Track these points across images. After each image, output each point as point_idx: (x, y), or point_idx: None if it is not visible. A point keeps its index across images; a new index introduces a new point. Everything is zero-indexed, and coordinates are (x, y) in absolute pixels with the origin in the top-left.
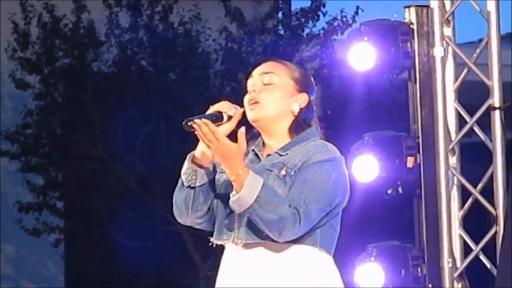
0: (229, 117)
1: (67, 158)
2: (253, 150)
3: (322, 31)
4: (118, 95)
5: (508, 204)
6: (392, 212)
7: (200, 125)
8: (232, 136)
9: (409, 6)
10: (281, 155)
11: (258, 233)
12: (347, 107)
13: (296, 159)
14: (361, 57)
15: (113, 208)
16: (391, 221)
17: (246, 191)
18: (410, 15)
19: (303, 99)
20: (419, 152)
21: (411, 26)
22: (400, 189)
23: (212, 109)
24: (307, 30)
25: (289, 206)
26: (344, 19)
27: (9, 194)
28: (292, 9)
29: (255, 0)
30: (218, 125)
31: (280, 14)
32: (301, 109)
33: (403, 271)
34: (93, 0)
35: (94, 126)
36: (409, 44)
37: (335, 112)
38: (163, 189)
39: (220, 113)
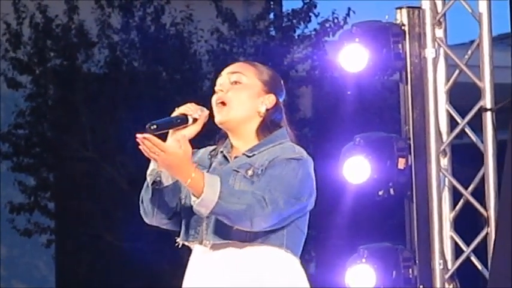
0: (195, 120)
1: (58, 159)
2: (221, 151)
3: (313, 32)
4: (109, 96)
5: (504, 205)
6: (383, 213)
7: (142, 141)
8: (199, 139)
9: (400, 8)
10: (248, 156)
11: (226, 233)
12: (338, 108)
13: (263, 159)
14: (352, 58)
15: (104, 209)
16: (383, 223)
17: (208, 190)
18: (402, 17)
19: (270, 100)
20: (410, 154)
21: (403, 28)
22: (391, 190)
23: (177, 111)
24: (298, 32)
25: (253, 195)
26: (336, 20)
27: (0, 194)
28: (284, 10)
29: (247, 1)
30: (183, 128)
31: (271, 15)
32: (267, 110)
33: (394, 272)
34: (85, 1)
35: (85, 127)
36: (400, 46)
37: (326, 113)
38: None
39: (186, 115)
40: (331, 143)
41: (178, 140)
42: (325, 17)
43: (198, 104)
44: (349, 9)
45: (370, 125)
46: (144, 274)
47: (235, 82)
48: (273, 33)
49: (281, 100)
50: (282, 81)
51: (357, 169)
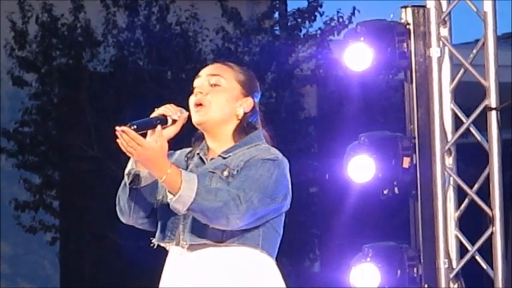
0: (174, 121)
1: (63, 157)
2: (198, 153)
3: (318, 31)
4: (114, 94)
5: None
6: (388, 212)
7: (121, 134)
8: (177, 140)
9: (405, 7)
10: (224, 158)
11: (203, 234)
12: (343, 107)
13: (238, 160)
14: (357, 57)
15: (109, 208)
16: (387, 222)
17: (185, 186)
18: (407, 16)
19: (248, 103)
20: (415, 153)
21: (407, 26)
22: (396, 189)
23: (157, 112)
24: (303, 31)
25: (228, 193)
26: (340, 20)
27: (5, 192)
28: (289, 9)
29: (252, 0)
30: (162, 129)
31: (276, 14)
32: (245, 113)
33: (399, 271)
34: (90, 0)
35: (90, 126)
36: (405, 45)
37: (331, 112)
38: None
39: (165, 116)
40: (336, 141)
41: (160, 131)
42: (330, 16)
43: (177, 105)
44: (354, 8)
45: (374, 124)
46: (148, 273)
47: (215, 85)
48: (278, 32)
49: (257, 101)
50: (257, 82)
51: (361, 168)
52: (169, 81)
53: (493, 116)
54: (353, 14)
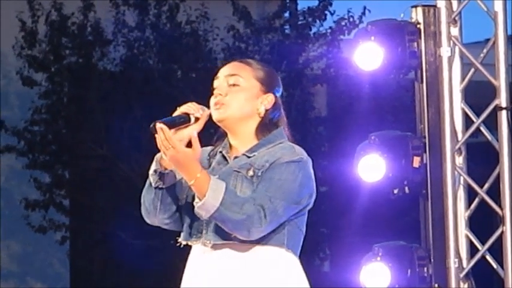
0: (196, 119)
1: (73, 156)
2: (220, 152)
3: (329, 31)
4: (124, 93)
5: None
6: (398, 211)
7: (160, 130)
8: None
9: (416, 6)
10: (248, 157)
11: (227, 233)
12: (353, 106)
13: (263, 159)
14: (367, 57)
15: (118, 207)
16: (397, 221)
17: (211, 194)
18: (417, 15)
19: (268, 99)
20: (425, 152)
21: (418, 26)
22: (406, 189)
23: (179, 111)
24: (314, 30)
25: (254, 204)
26: (351, 19)
27: (15, 191)
28: (299, 8)
29: None
30: (185, 127)
31: (287, 13)
32: (267, 110)
33: (409, 271)
34: None
35: (100, 125)
36: (415, 44)
37: (341, 112)
38: None
39: (188, 114)
40: (346, 141)
41: (181, 139)
42: (341, 15)
43: (198, 103)
44: (364, 7)
45: (385, 124)
46: (157, 272)
47: (233, 85)
48: (288, 31)
49: (278, 95)
50: (278, 76)
51: (372, 167)
52: (180, 80)
53: (504, 116)
54: (363, 13)
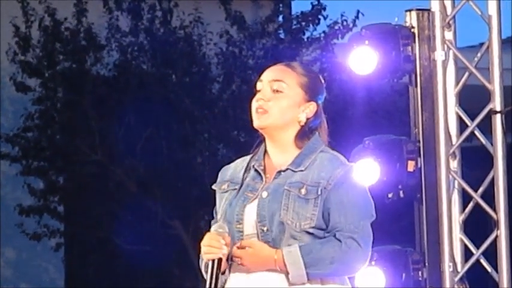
0: (224, 254)
1: (67, 162)
2: (253, 165)
3: (322, 35)
4: (118, 99)
5: None
6: (393, 216)
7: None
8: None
9: (410, 10)
10: (294, 171)
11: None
12: (347, 111)
13: (314, 175)
14: (361, 61)
15: (113, 212)
16: (392, 225)
17: (291, 269)
18: (412, 19)
19: (311, 108)
20: (420, 156)
21: (412, 30)
22: (401, 193)
23: (205, 257)
24: (307, 34)
25: (339, 239)
26: (344, 23)
27: (9, 197)
28: (293, 12)
29: (256, 3)
30: (223, 266)
31: (280, 18)
32: (308, 119)
33: (404, 275)
34: (93, 4)
35: (94, 130)
36: (410, 48)
37: (335, 116)
38: (163, 193)
39: (220, 263)
40: (340, 145)
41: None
42: (334, 19)
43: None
44: (358, 11)
45: (379, 128)
46: (152, 277)
47: (277, 91)
48: (282, 35)
49: (321, 103)
50: (322, 83)
51: (366, 172)
52: (173, 85)
53: (498, 120)
54: (357, 17)
